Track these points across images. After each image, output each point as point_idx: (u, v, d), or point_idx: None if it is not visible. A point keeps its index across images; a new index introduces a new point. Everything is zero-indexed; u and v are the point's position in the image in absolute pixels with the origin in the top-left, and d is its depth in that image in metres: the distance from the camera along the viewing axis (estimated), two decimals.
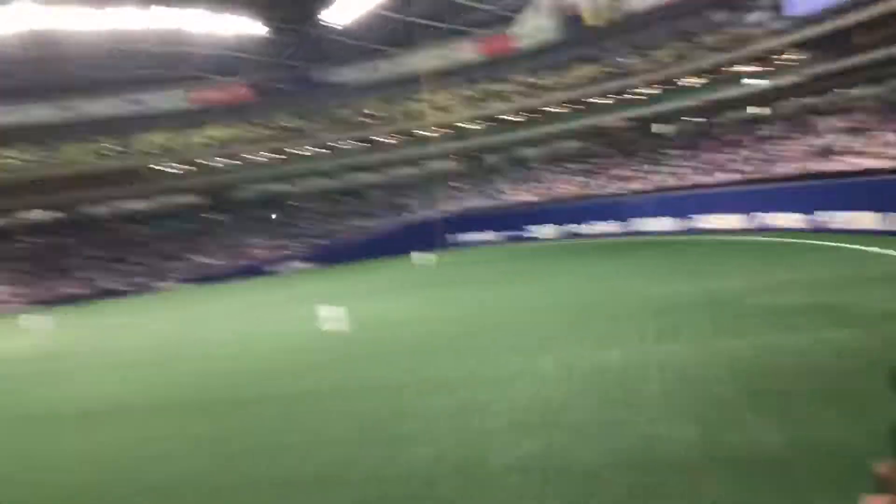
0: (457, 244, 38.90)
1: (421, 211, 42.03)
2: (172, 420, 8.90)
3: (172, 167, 45.66)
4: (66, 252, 43.19)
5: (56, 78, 43.83)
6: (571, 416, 6.64)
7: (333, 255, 39.55)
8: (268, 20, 43.65)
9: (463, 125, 42.37)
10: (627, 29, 37.67)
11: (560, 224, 34.90)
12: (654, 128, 38.22)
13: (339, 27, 43.37)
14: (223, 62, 47.12)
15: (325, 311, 14.42)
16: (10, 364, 17.25)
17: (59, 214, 45.73)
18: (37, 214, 45.42)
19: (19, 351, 20.01)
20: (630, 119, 37.54)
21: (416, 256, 32.44)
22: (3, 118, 43.26)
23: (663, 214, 29.51)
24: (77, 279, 40.07)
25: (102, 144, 45.94)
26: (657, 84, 35.07)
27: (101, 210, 46.62)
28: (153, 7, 39.61)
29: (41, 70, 43.31)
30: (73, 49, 41.74)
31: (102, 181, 43.93)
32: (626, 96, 37.46)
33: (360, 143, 45.38)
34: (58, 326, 24.76)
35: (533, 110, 40.29)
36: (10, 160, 43.70)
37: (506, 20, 42.61)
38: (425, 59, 40.77)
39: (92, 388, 12.07)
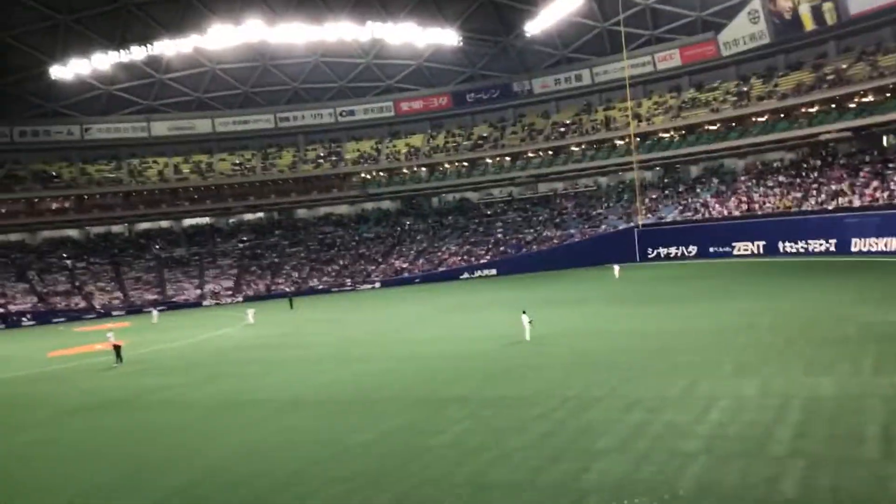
0: (651, 257, 43.39)
1: (614, 222, 47.56)
2: (372, 412, 11.59)
3: (376, 174, 56.25)
4: (277, 251, 55.09)
5: (274, 89, 56.45)
6: (774, 447, 7.11)
7: (522, 264, 46.76)
8: (466, 31, 51.38)
9: (663, 134, 46.54)
10: (848, 32, 40.39)
11: (765, 240, 37.50)
12: (886, 141, 39.36)
13: (537, 36, 50.20)
14: (423, 73, 56.25)
15: (522, 318, 17.32)
16: (232, 352, 22.67)
17: (272, 216, 58.27)
18: (253, 216, 58.83)
19: (240, 340, 25.91)
20: (851, 129, 38.92)
21: (615, 268, 36.63)
22: (228, 127, 57.98)
23: (889, 234, 30.93)
24: (286, 276, 51.88)
25: (311, 152, 58.38)
26: (884, 91, 36.34)
27: (308, 213, 58.51)
28: (369, 22, 49.14)
29: (262, 82, 56.29)
30: (289, 62, 53.94)
31: (312, 186, 56.32)
32: (848, 105, 37.97)
33: (553, 152, 51.70)
34: (270, 320, 32.55)
35: (739, 119, 43.36)
36: (232, 165, 57.12)
37: (711, 26, 46.41)
38: (625, 67, 44.70)
39: (303, 378, 16.03)
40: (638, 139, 46.70)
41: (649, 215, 46.06)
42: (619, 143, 49.63)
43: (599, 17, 50.05)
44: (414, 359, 17.47)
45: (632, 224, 45.34)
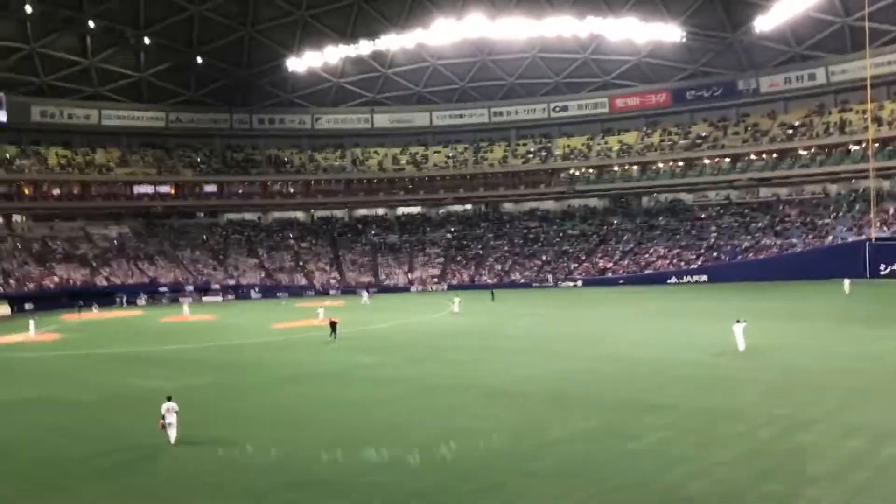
0: (884, 274, 49.88)
1: (842, 233, 56.00)
2: (570, 410, 15.04)
3: (585, 171, 71.19)
4: (482, 243, 72.51)
5: (490, 84, 74.24)
6: None
7: (737, 272, 56.56)
8: (690, 26, 62.59)
9: None
10: None
11: None
12: None
13: (767, 32, 60.79)
14: (642, 69, 69.49)
15: (735, 327, 20.79)
16: (436, 338, 29.67)
17: (479, 208, 76.18)
18: (461, 207, 77.14)
19: (445, 327, 34.17)
20: None
21: (845, 283, 41.24)
22: (444, 120, 77.47)
23: None
24: (489, 268, 68.67)
25: (522, 147, 75.66)
26: None
27: (514, 207, 75.66)
28: (589, 17, 62.95)
29: (478, 77, 73.89)
30: (506, 57, 70.49)
31: (520, 180, 73.24)
32: None
33: (778, 155, 61.05)
34: (473, 309, 41.17)
35: None
36: (445, 157, 75.96)
37: None
38: (867, 66, 51.45)
39: (503, 369, 21.09)
40: (877, 145, 53.87)
41: (885, 228, 52.94)
42: (854, 148, 58.50)
43: (841, 11, 59.62)
44: (615, 361, 21.32)
45: (863, 237, 52.68)
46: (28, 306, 54.49)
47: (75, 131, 71.82)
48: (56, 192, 69.01)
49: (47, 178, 68.28)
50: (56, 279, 61.79)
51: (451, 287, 65.73)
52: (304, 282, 70.31)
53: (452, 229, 77.75)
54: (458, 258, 73.20)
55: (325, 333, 31.08)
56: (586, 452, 12.19)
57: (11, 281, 59.08)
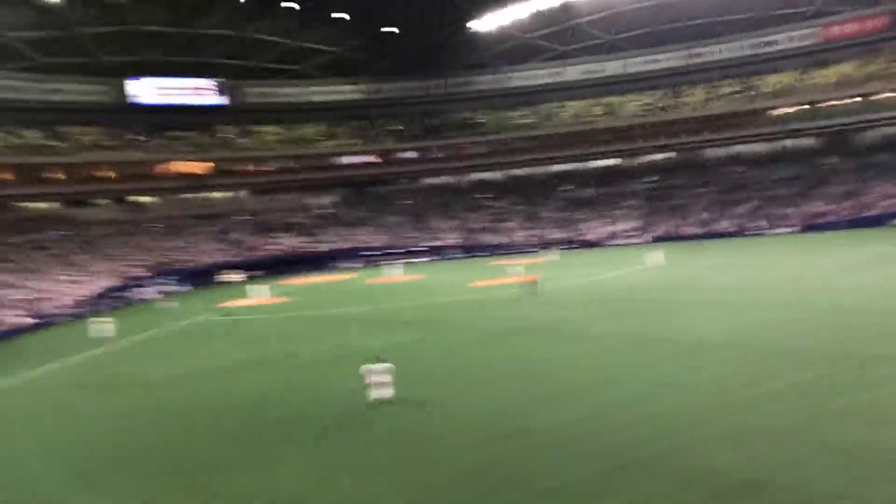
0: None
1: None
2: (781, 362, 17.83)
3: (793, 109, 77.55)
4: (684, 192, 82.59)
5: (686, 24, 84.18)
6: None
7: None
8: None
9: None
10: None
11: None
12: None
13: None
14: None
15: None
16: (637, 292, 35.00)
17: (679, 156, 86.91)
18: (660, 156, 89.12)
19: (646, 280, 38.98)
20: None
21: None
22: (637, 67, 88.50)
23: None
24: (693, 218, 78.88)
25: (724, 88, 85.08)
26: None
27: (717, 152, 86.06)
28: None
29: (673, 18, 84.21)
30: None
31: (721, 124, 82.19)
32: None
33: None
34: (676, 261, 46.73)
35: None
36: (640, 105, 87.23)
37: None
38: None
39: (708, 321, 24.60)
40: None
41: None
42: None
43: None
44: (831, 311, 24.45)
45: None
46: (257, 273, 72.14)
47: (286, 109, 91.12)
48: (273, 167, 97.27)
49: (265, 155, 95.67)
50: (278, 247, 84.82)
51: (654, 239, 75.83)
52: (501, 240, 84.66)
53: (651, 179, 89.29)
54: (659, 209, 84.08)
55: (524, 290, 37.27)
56: (798, 407, 14.22)
57: (241, 250, 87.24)
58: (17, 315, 47.39)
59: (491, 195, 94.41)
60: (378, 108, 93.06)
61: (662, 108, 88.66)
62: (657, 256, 49.33)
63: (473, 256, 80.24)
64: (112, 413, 22.35)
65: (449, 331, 29.32)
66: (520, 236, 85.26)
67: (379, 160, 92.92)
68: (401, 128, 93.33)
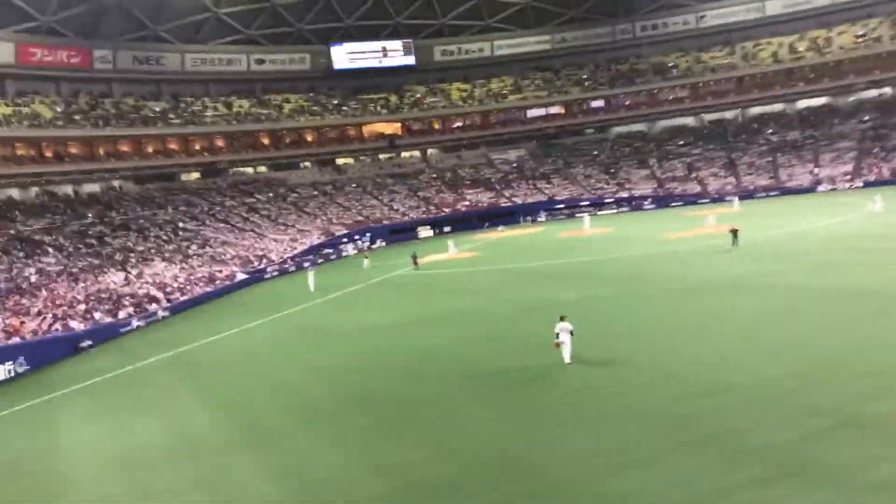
0: None
1: None
2: None
3: None
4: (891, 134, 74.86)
5: None
6: None
7: None
8: None
9: None
10: None
11: None
12: None
13: None
14: None
15: None
16: (847, 241, 33.99)
17: (892, 91, 79.83)
18: (876, 92, 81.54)
19: (859, 229, 37.62)
20: None
21: None
22: None
23: None
24: None
25: None
26: None
27: None
28: None
29: None
30: None
31: None
32: None
33: None
34: (890, 210, 43.93)
35: None
36: (853, 38, 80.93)
37: None
38: None
39: None
40: None
41: None
42: None
43: None
44: None
45: None
46: (446, 229, 74.31)
47: (472, 65, 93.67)
48: (460, 123, 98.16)
49: (452, 112, 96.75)
50: (466, 203, 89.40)
51: (867, 184, 70.69)
52: (697, 189, 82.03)
53: (866, 118, 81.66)
54: (875, 151, 77.32)
55: (722, 242, 36.84)
56: None
57: (431, 207, 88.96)
58: (233, 270, 51.01)
59: (685, 142, 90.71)
60: (564, 57, 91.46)
61: (879, 39, 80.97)
62: (872, 203, 46.75)
63: (666, 207, 78.07)
64: (320, 360, 24.77)
65: (642, 285, 29.03)
66: (716, 185, 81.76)
67: (566, 111, 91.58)
68: (588, 76, 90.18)
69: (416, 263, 45.88)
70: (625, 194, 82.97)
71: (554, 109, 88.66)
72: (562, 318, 18.17)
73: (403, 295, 36.93)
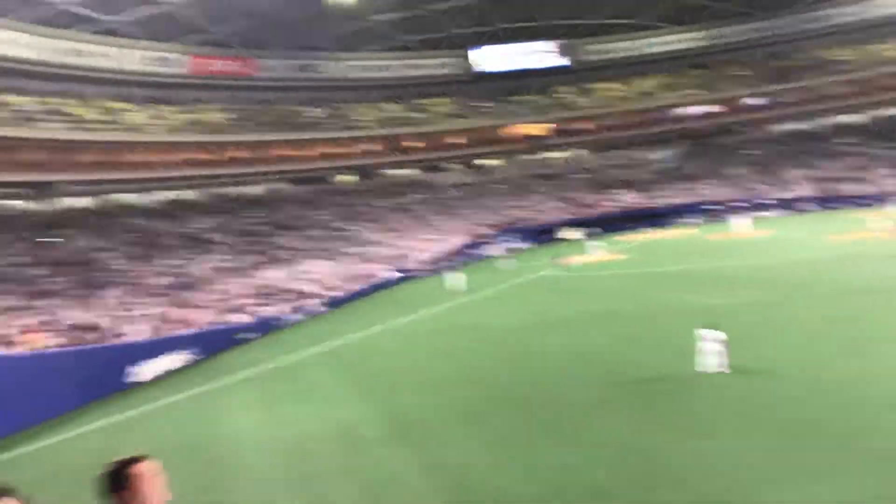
0: None
1: None
2: None
3: None
4: None
5: None
6: None
7: None
8: None
9: None
10: None
11: None
12: None
13: None
14: None
15: None
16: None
17: None
18: None
19: None
20: None
21: None
22: None
23: None
24: None
25: None
26: None
27: None
28: None
29: None
30: None
31: None
32: None
33: None
34: None
35: None
36: None
37: None
38: None
39: None
40: None
41: None
42: None
43: None
44: None
45: None
46: (592, 230, 72.50)
47: (623, 64, 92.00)
48: (610, 123, 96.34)
49: (600, 112, 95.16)
50: (613, 203, 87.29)
51: None
52: (866, 190, 75.95)
53: None
54: None
55: (892, 246, 34.72)
56: None
57: (577, 207, 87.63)
58: (386, 269, 52.53)
59: (853, 140, 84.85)
60: (720, 54, 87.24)
61: None
62: None
63: (830, 208, 73.70)
64: (469, 358, 25.13)
65: (802, 290, 27.84)
66: (890, 185, 75.17)
67: (721, 109, 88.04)
68: (745, 73, 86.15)
69: (561, 264, 45.38)
70: (783, 195, 79.01)
71: (709, 107, 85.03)
72: (710, 325, 17.38)
73: (548, 295, 36.91)
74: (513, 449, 14.69)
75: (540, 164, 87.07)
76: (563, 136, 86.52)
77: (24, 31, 53.94)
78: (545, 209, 76.90)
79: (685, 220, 76.82)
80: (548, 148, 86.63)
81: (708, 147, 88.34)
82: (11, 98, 53.30)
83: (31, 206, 50.72)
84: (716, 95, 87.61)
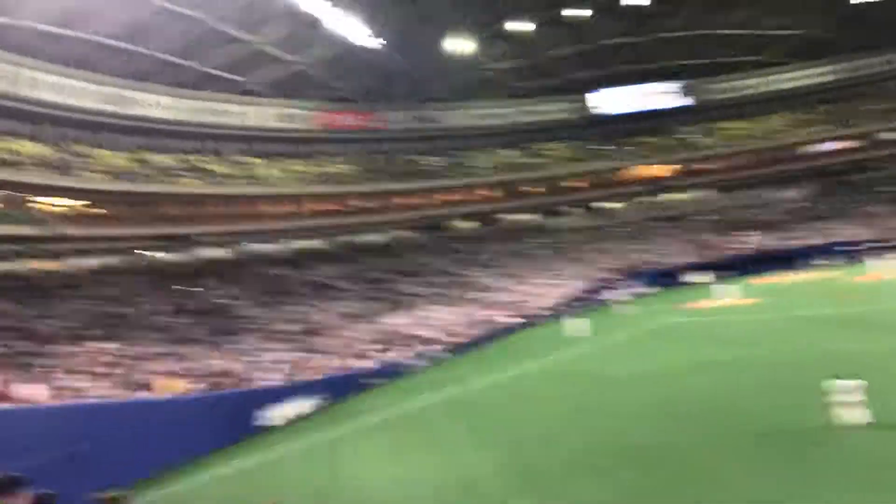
0: None
1: None
2: None
3: None
4: None
5: None
6: None
7: None
8: None
9: None
10: None
11: None
12: None
13: None
14: None
15: None
16: None
17: None
18: None
19: None
20: None
21: None
22: None
23: None
24: None
25: None
26: None
27: None
28: None
29: None
30: None
31: None
32: None
33: None
34: None
35: None
36: None
37: None
38: None
39: None
40: None
41: None
42: None
43: None
44: None
45: None
46: (723, 273, 69.57)
47: (748, 101, 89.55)
48: (736, 163, 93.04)
49: (727, 152, 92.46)
50: (740, 245, 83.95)
51: None
52: None
53: None
54: None
55: None
56: None
57: (701, 250, 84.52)
58: (505, 315, 52.56)
59: None
60: (851, 87, 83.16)
61: None
62: None
63: None
64: (592, 407, 24.82)
65: None
66: None
67: (856, 145, 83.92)
68: (878, 106, 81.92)
69: (687, 309, 43.86)
70: None
71: (842, 144, 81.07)
72: (850, 373, 16.40)
73: (674, 342, 35.78)
74: None
75: (662, 206, 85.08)
76: (687, 177, 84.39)
77: (165, 94, 57.87)
78: (669, 252, 74.94)
79: (818, 261, 72.52)
80: (671, 189, 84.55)
81: (841, 185, 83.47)
82: (152, 156, 57.11)
83: (170, 256, 53.68)
84: (848, 131, 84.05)
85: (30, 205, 43.26)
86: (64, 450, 17.72)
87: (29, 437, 18.14)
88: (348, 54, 65.15)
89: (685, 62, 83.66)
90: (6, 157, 42.87)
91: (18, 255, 41.20)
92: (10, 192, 41.60)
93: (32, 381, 24.30)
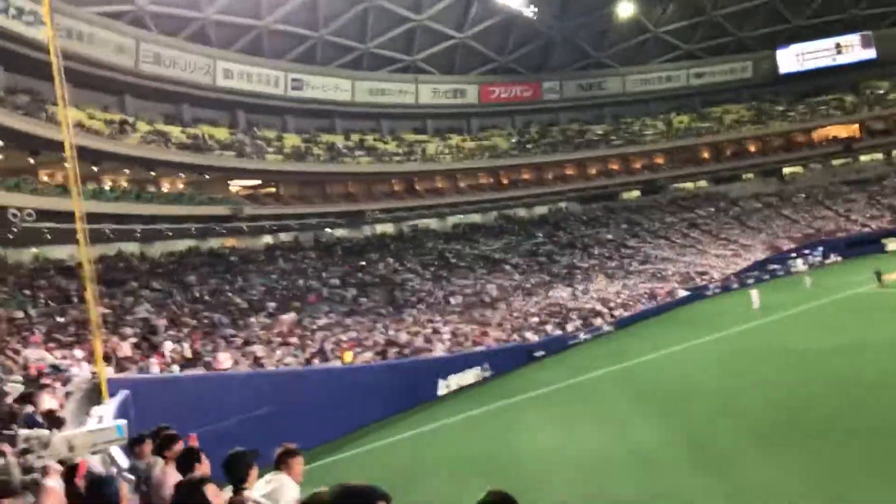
0: None
1: None
2: None
3: None
4: None
5: None
6: None
7: None
8: None
9: None
10: None
11: None
12: None
13: None
14: None
15: None
16: None
17: None
18: None
19: None
20: None
21: None
22: None
23: None
24: None
25: None
26: None
27: None
28: None
29: None
30: None
31: None
32: None
33: None
34: None
35: None
36: None
37: None
38: None
39: None
40: None
41: None
42: None
43: None
44: None
45: None
46: None
47: None
48: None
49: None
50: None
51: None
52: None
53: None
54: None
55: None
56: None
57: None
58: (674, 287, 51.16)
59: None
60: None
61: None
62: None
63: None
64: (775, 380, 23.79)
65: None
66: None
67: None
68: None
69: (880, 280, 40.63)
70: None
71: None
72: None
73: (864, 315, 33.37)
74: (825, 482, 13.58)
75: (849, 169, 78.55)
76: (879, 137, 77.17)
77: (338, 77, 60.60)
78: (859, 218, 69.17)
79: None
80: (859, 151, 77.88)
81: None
82: (324, 136, 60.03)
83: (343, 233, 56.52)
84: None
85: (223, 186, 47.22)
86: (253, 412, 19.24)
87: (226, 400, 19.82)
88: (510, 24, 64.22)
89: (875, 11, 76.39)
90: (201, 143, 46.68)
91: (214, 234, 44.94)
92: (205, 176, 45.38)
93: (227, 350, 26.50)
